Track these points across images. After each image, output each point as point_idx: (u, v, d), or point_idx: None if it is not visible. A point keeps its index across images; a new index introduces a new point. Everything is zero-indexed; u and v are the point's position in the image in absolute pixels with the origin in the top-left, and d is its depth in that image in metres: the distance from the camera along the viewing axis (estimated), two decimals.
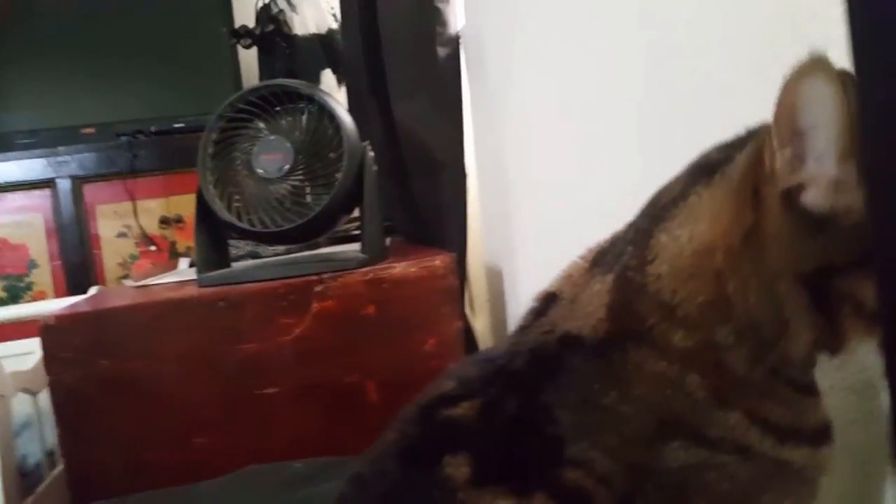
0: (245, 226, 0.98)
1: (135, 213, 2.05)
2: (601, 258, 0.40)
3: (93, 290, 1.58)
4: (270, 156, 1.00)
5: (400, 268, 0.93)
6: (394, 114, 1.24)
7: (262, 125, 1.02)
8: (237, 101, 1.02)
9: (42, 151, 2.02)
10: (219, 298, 0.90)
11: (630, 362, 0.35)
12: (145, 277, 1.31)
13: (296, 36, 2.09)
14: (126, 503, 0.68)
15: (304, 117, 1.00)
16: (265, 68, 2.15)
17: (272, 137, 1.00)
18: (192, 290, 0.95)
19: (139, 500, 0.70)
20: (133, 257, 2.06)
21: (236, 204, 0.99)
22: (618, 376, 0.35)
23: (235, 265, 1.08)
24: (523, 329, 0.41)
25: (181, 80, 2.21)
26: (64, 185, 2.02)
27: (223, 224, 1.00)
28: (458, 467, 0.35)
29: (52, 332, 0.86)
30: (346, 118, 0.99)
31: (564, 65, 0.82)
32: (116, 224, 2.05)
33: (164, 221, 2.07)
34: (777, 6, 0.45)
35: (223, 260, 1.05)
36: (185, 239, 2.08)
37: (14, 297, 2.00)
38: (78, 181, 2.03)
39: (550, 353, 0.37)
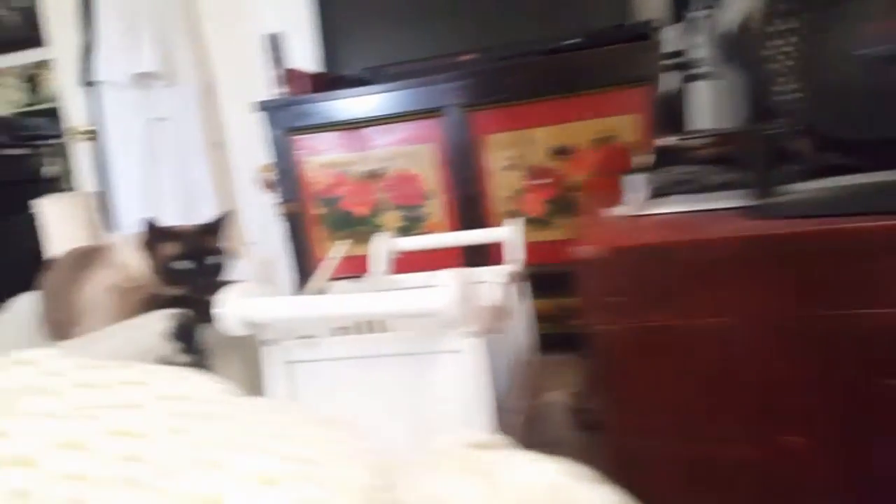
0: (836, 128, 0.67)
1: (523, 143, 1.89)
2: None
3: (511, 223, 1.44)
4: (880, 26, 0.66)
5: None
6: None
7: None
8: None
9: (429, 79, 1.96)
10: (819, 237, 0.61)
11: None
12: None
13: None
14: None
15: None
16: None
17: None
18: (759, 225, 0.67)
19: None
20: (521, 191, 1.92)
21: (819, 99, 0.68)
22: None
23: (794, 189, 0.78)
24: None
25: None
26: (452, 113, 1.94)
27: (794, 130, 0.70)
28: None
29: (595, 269, 0.65)
30: None
31: None
32: (504, 155, 1.92)
33: (556, 152, 1.89)
34: None
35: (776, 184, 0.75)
36: (577, 172, 1.88)
37: (411, 228, 2.01)
38: (465, 109, 1.93)
39: None
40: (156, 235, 1.06)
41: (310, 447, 0.43)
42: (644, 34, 1.82)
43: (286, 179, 2.15)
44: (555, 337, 1.55)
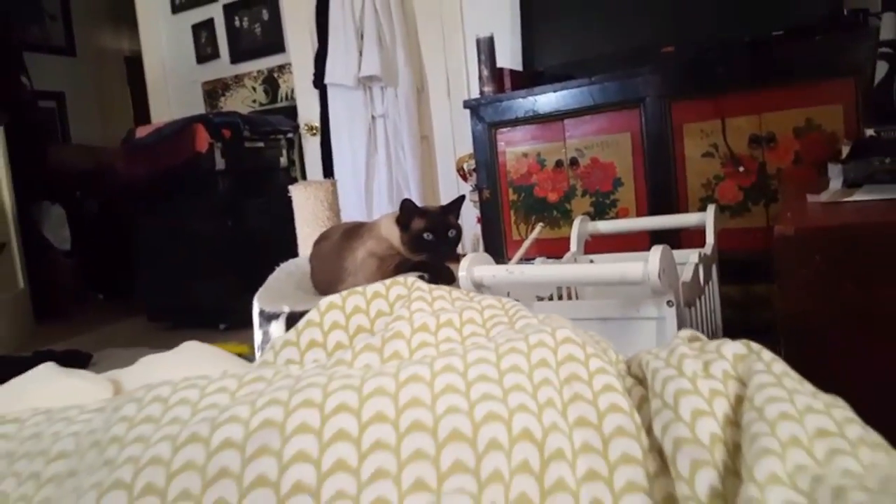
0: None
1: (723, 132, 1.92)
2: None
3: (711, 209, 1.51)
4: None
5: None
6: None
7: None
8: None
9: (630, 72, 2.05)
10: None
11: None
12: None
13: None
14: None
15: None
16: None
17: None
18: None
19: None
20: (717, 178, 1.96)
21: None
22: None
23: None
24: None
25: None
26: (652, 104, 2.02)
27: None
28: None
29: (790, 244, 0.75)
30: None
31: None
32: (701, 144, 1.97)
33: (755, 141, 1.90)
34: None
35: None
36: (776, 160, 1.88)
37: (600, 213, 2.13)
38: (666, 100, 2.00)
39: None
40: (409, 213, 1.31)
41: None
42: (855, 23, 1.77)
43: (485, 169, 2.36)
44: (739, 325, 1.58)
